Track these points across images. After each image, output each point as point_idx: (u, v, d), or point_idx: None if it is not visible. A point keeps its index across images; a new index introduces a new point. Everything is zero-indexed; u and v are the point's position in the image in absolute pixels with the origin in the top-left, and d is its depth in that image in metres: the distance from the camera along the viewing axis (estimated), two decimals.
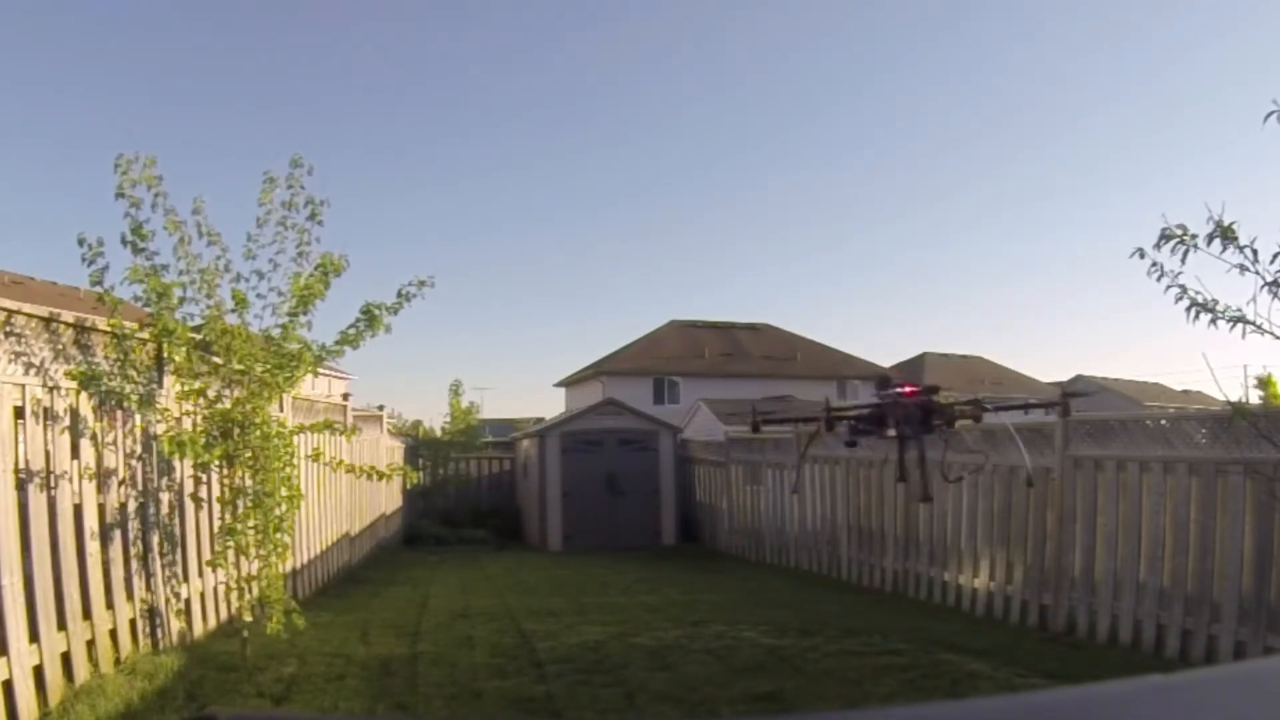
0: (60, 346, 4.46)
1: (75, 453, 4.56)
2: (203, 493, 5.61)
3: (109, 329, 4.78)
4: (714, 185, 52.68)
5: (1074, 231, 52.72)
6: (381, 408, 13.94)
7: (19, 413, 4.15)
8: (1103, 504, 6.32)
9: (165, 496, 5.41)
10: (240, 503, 5.00)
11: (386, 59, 46.16)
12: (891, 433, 7.15)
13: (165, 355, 5.14)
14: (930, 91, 51.33)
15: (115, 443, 4.92)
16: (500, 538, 14.96)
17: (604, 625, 6.56)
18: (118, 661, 4.66)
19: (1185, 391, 41.61)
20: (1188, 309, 4.14)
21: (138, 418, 5.09)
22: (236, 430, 4.96)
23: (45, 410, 4.29)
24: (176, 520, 5.51)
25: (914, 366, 34.71)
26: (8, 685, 3.75)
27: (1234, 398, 5.21)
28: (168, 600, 5.27)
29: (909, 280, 49.43)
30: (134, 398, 4.89)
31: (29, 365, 4.20)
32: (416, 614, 7.26)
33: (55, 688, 4.06)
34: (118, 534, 4.85)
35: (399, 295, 5.29)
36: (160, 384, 5.30)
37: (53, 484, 4.26)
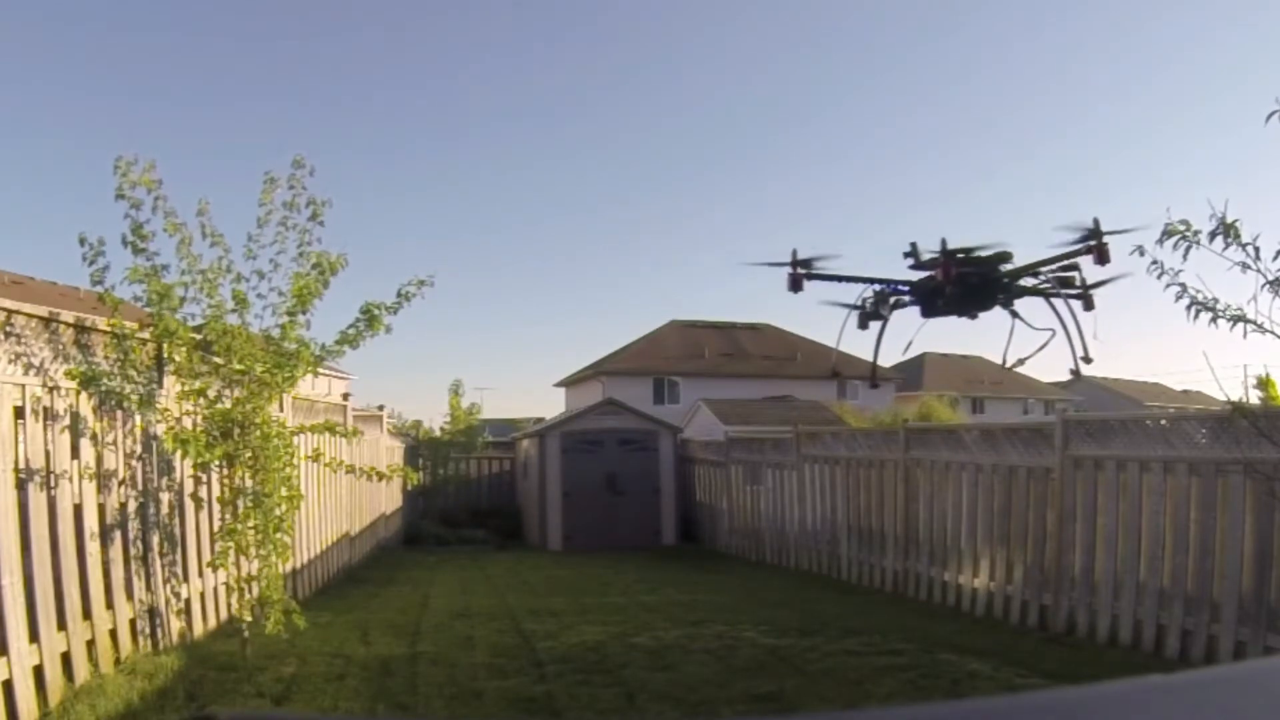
0: (60, 346, 4.46)
1: (75, 453, 4.56)
2: (203, 493, 5.60)
3: (109, 329, 4.78)
4: (714, 185, 52.75)
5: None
6: (381, 408, 13.91)
7: (19, 412, 4.15)
8: (1103, 504, 6.32)
9: (165, 497, 5.41)
10: (240, 503, 5.00)
11: (387, 59, 46.18)
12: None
13: (165, 355, 5.14)
14: (930, 91, 51.38)
15: (115, 443, 4.92)
16: (500, 538, 14.95)
17: (604, 625, 6.56)
18: (118, 661, 4.65)
19: (1185, 391, 41.65)
20: (1188, 307, 4.14)
21: (138, 418, 5.09)
22: (237, 430, 4.95)
23: (45, 410, 4.29)
24: (176, 520, 5.51)
25: (914, 366, 34.75)
26: (8, 685, 3.75)
27: (1234, 397, 5.20)
28: (168, 600, 5.27)
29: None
30: (134, 398, 4.89)
31: (29, 365, 4.20)
32: (416, 614, 7.25)
33: (55, 688, 4.06)
34: (118, 534, 4.85)
35: (399, 295, 5.28)
36: (160, 384, 5.29)
37: (53, 484, 4.26)
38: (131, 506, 5.03)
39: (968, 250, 6.85)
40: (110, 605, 4.68)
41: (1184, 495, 5.66)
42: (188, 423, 4.97)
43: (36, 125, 40.20)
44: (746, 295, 56.22)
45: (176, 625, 5.34)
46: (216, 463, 4.92)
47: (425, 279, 5.34)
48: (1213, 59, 51.96)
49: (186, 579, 5.55)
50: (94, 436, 4.70)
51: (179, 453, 4.77)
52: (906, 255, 7.11)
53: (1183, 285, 4.13)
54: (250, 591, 5.06)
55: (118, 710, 4.00)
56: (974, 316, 7.22)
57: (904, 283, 7.25)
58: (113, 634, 4.67)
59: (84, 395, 4.59)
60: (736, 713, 4.36)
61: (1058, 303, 7.01)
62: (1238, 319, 4.00)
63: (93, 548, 4.55)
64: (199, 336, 4.94)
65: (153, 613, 5.11)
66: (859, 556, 9.51)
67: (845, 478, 9.88)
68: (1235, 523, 5.27)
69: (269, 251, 5.00)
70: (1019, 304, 7.21)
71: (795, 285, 7.33)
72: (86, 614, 4.42)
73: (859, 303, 7.51)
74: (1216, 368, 4.79)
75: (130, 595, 4.89)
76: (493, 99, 49.32)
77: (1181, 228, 4.06)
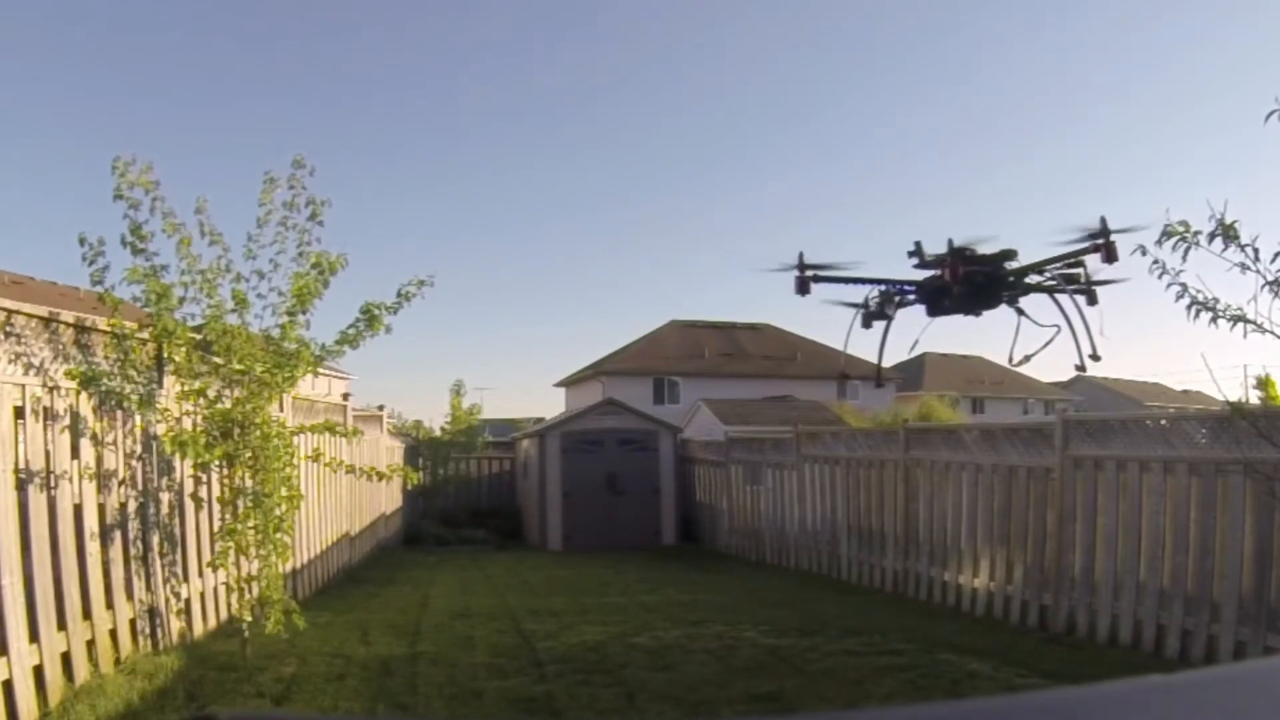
0: (60, 346, 4.46)
1: (75, 453, 4.56)
2: (203, 493, 5.61)
3: (109, 329, 4.78)
4: (714, 185, 52.78)
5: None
6: (381, 408, 13.90)
7: (19, 413, 4.15)
8: (1103, 504, 6.32)
9: (165, 497, 5.41)
10: (240, 503, 5.00)
11: (387, 59, 46.19)
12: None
13: (165, 355, 5.14)
14: (930, 91, 51.40)
15: (115, 443, 4.92)
16: (500, 538, 14.94)
17: (604, 625, 6.56)
18: (118, 661, 4.65)
19: (1185, 391, 41.64)
20: (1188, 307, 4.14)
21: (138, 418, 5.09)
22: (237, 430, 4.95)
23: (45, 410, 4.29)
24: (176, 520, 5.51)
25: (914, 366, 34.75)
26: (8, 685, 3.75)
27: (1234, 398, 5.21)
28: (167, 600, 5.27)
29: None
30: (134, 398, 4.88)
31: (29, 365, 4.20)
32: (416, 614, 7.25)
33: (55, 688, 4.06)
34: (118, 534, 4.85)
35: (399, 295, 5.28)
36: (160, 384, 5.29)
37: (53, 484, 4.26)
38: (131, 506, 5.03)
39: (973, 249, 6.84)
40: (110, 605, 4.67)
41: (1184, 495, 5.66)
42: (187, 423, 4.97)
43: (36, 125, 40.24)
44: (746, 295, 56.42)
45: (176, 625, 5.33)
46: (216, 463, 4.92)
47: (425, 279, 5.35)
48: (1213, 59, 52.01)
49: (186, 579, 5.55)
50: (94, 436, 4.70)
51: (178, 454, 4.77)
52: (911, 254, 7.09)
53: (1183, 285, 4.13)
54: (250, 591, 5.06)
55: (118, 710, 4.00)
56: (979, 314, 7.21)
57: (910, 282, 7.22)
58: (113, 634, 4.67)
59: (84, 395, 4.59)
60: (736, 713, 4.36)
61: (1063, 299, 6.97)
62: (1237, 319, 4.01)
63: (93, 548, 4.55)
64: (199, 336, 4.94)
65: (153, 613, 5.11)
66: (859, 556, 9.51)
67: (845, 478, 9.88)
68: (1235, 523, 5.27)
69: (269, 251, 5.00)
70: (1023, 301, 7.20)
71: (803, 288, 7.31)
72: (86, 614, 4.42)
73: (864, 302, 7.50)
74: (1216, 368, 4.80)
75: (130, 595, 4.89)
76: (493, 99, 49.36)
77: (1180, 229, 4.07)
